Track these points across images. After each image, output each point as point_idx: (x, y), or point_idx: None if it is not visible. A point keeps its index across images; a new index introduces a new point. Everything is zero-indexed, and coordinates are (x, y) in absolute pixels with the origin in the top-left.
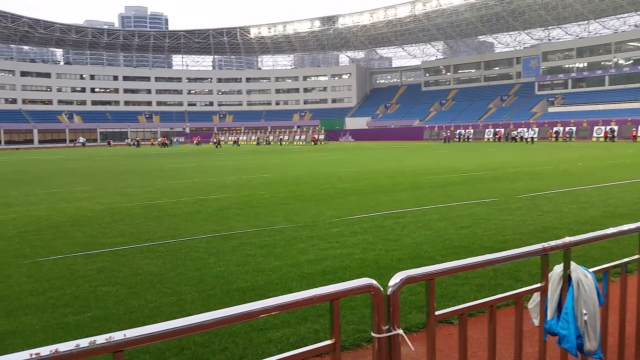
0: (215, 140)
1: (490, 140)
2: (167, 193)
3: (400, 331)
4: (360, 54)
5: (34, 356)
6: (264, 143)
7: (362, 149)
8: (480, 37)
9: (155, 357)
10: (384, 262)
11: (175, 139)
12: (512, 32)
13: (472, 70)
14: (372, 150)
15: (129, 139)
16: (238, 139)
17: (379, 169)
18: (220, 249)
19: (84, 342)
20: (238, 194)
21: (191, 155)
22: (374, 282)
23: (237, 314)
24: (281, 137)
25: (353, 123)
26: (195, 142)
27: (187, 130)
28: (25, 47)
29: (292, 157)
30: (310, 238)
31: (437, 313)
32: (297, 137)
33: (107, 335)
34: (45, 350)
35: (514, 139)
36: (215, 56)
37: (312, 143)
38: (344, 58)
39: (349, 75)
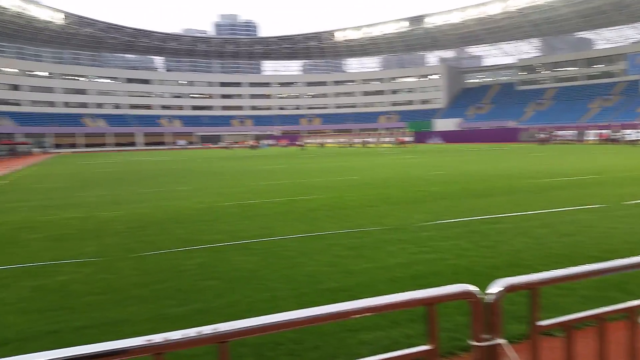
0: (299, 143)
1: (593, 142)
2: (259, 193)
3: (504, 341)
4: (449, 54)
5: (147, 342)
6: (347, 145)
7: (452, 151)
8: (578, 33)
9: (253, 351)
10: (479, 269)
11: (263, 142)
12: (615, 27)
13: (572, 68)
14: (463, 152)
15: (224, 142)
16: (324, 141)
17: (472, 172)
18: (311, 248)
19: (191, 332)
20: (326, 196)
21: (281, 158)
22: (473, 288)
23: (330, 313)
24: (363, 139)
25: (442, 124)
26: (282, 144)
27: (277, 134)
28: (130, 56)
29: (379, 159)
30: (400, 241)
31: (539, 324)
32: (383, 140)
33: (213, 326)
34: (157, 338)
35: (616, 140)
36: (304, 60)
37: (399, 145)
38: (432, 58)
39: (437, 75)
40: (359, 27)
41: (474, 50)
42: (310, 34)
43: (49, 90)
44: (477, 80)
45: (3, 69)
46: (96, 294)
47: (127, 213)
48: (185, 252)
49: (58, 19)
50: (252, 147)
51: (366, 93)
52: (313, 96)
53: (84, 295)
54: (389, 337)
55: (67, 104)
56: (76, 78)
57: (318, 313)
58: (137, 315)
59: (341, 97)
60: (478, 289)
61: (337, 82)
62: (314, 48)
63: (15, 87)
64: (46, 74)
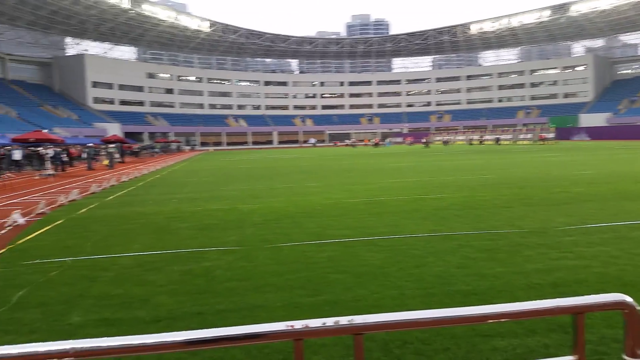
0: (424, 140)
1: None
2: (386, 191)
3: None
4: (597, 43)
5: (289, 328)
6: (478, 142)
7: (601, 149)
8: None
9: (380, 346)
10: (630, 279)
11: (387, 140)
12: None
13: None
14: (614, 150)
15: (349, 140)
16: (449, 138)
17: (623, 172)
18: (440, 248)
19: (329, 321)
20: (457, 195)
21: (409, 155)
22: (629, 299)
23: (464, 316)
24: (497, 136)
25: (589, 120)
26: (407, 142)
27: (405, 131)
28: (268, 60)
29: (515, 157)
30: (539, 246)
31: None
32: (521, 136)
33: (349, 318)
34: (297, 324)
35: None
36: (435, 56)
37: (539, 142)
38: (577, 48)
39: (584, 66)
40: (496, 18)
41: (628, 38)
42: (442, 28)
43: (197, 93)
44: (631, 71)
45: (160, 74)
46: (237, 280)
47: (264, 206)
48: (316, 245)
49: (205, 27)
50: (375, 145)
51: (502, 87)
52: (443, 92)
53: (226, 281)
54: (524, 346)
55: (212, 106)
56: (221, 82)
57: (451, 315)
58: (272, 302)
59: (474, 92)
60: (632, 300)
61: (469, 77)
62: (446, 42)
63: (169, 91)
64: (195, 78)
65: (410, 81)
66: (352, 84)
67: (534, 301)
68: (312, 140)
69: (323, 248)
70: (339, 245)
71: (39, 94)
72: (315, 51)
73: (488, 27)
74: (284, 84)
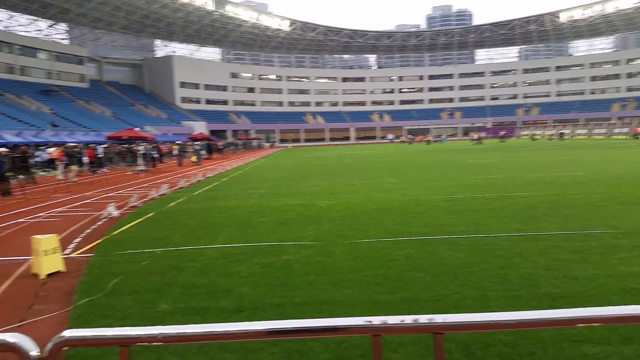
0: (475, 137)
1: None
2: (468, 188)
3: None
4: None
5: (367, 323)
6: (557, 138)
7: None
8: None
9: (461, 348)
10: None
11: (443, 136)
12: None
13: None
14: None
15: (405, 135)
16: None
17: None
18: (526, 249)
19: (408, 319)
20: (545, 193)
21: (492, 151)
22: None
23: (551, 319)
24: (590, 129)
25: None
26: (473, 137)
27: (489, 125)
28: (345, 56)
29: (610, 153)
30: (635, 247)
31: None
32: (616, 130)
33: (428, 316)
34: (376, 320)
35: None
36: (521, 46)
37: (635, 137)
38: None
39: None
40: (588, 5)
41: None
42: (529, 17)
43: (277, 91)
44: None
45: (242, 74)
46: (314, 274)
47: (341, 202)
48: (394, 242)
49: (285, 26)
50: (427, 141)
51: (595, 78)
52: (530, 84)
53: (304, 275)
54: (618, 354)
55: (291, 103)
56: (300, 79)
57: (538, 317)
58: (350, 298)
59: (564, 83)
60: None
61: (559, 68)
62: (533, 32)
63: (251, 90)
64: (275, 77)
65: (494, 73)
66: (432, 77)
67: (630, 306)
68: (390, 136)
69: (401, 245)
70: (418, 243)
71: (131, 94)
72: (393, 45)
73: (579, 14)
74: (361, 79)
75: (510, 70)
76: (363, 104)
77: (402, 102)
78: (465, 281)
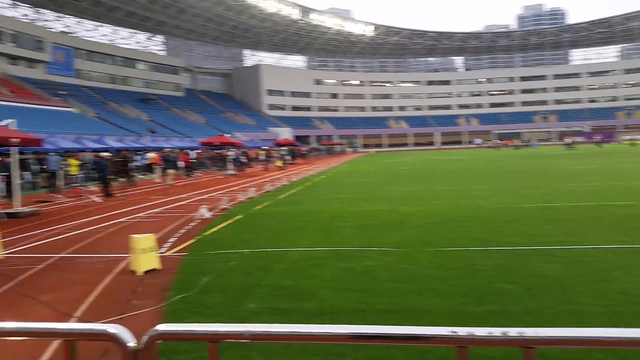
0: (568, 142)
1: None
2: (564, 196)
3: None
4: None
5: (452, 334)
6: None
7: None
8: None
9: None
10: None
11: (533, 141)
12: None
13: None
14: None
15: (491, 140)
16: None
17: None
18: (629, 262)
19: (496, 331)
20: None
21: (587, 157)
22: None
23: None
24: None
25: None
26: (565, 142)
27: (586, 130)
28: (430, 59)
29: None
30: None
31: None
32: None
33: (518, 329)
34: (461, 331)
35: None
36: (622, 45)
37: None
38: None
39: None
40: None
41: None
42: (630, 13)
43: (360, 96)
44: None
45: (326, 80)
46: (397, 282)
47: (425, 209)
48: (482, 251)
49: (369, 31)
50: (515, 146)
51: None
52: (634, 85)
53: (386, 281)
54: None
55: (374, 108)
56: (382, 84)
57: (636, 336)
58: (434, 307)
59: None
60: None
61: None
62: (636, 29)
63: (334, 96)
64: (358, 82)
65: (592, 74)
66: (523, 79)
67: None
68: (478, 141)
69: (489, 255)
70: (508, 253)
71: (222, 102)
72: (481, 47)
73: None
74: (447, 82)
75: (609, 71)
76: (449, 107)
77: (491, 105)
78: (559, 295)
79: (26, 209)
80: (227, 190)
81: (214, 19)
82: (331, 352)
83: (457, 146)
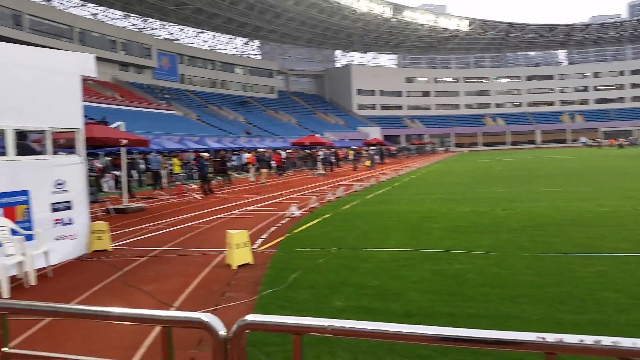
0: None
1: None
2: None
3: None
4: None
5: (540, 339)
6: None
7: None
8: None
9: None
10: None
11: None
12: None
13: None
14: None
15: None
16: None
17: None
18: None
19: (588, 339)
20: None
21: None
22: None
23: None
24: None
25: None
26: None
27: None
28: (531, 53)
29: None
30: None
31: None
32: None
33: (613, 339)
34: (550, 337)
35: None
36: None
37: None
38: None
39: None
40: None
41: None
42: None
43: (453, 94)
44: None
45: (417, 78)
46: (489, 286)
47: (522, 211)
48: (583, 257)
49: (464, 26)
50: (619, 145)
51: None
52: None
53: (478, 286)
54: None
55: (468, 106)
56: (478, 80)
57: None
58: (529, 314)
59: None
60: None
61: None
62: None
63: (426, 94)
64: (451, 79)
65: None
66: (635, 72)
67: None
68: (583, 139)
69: (591, 262)
70: (612, 260)
71: (313, 103)
72: (586, 39)
73: None
74: (549, 77)
75: None
76: (551, 103)
77: (598, 101)
78: None
79: (133, 205)
80: (317, 189)
81: (307, 22)
82: (417, 354)
83: (559, 145)
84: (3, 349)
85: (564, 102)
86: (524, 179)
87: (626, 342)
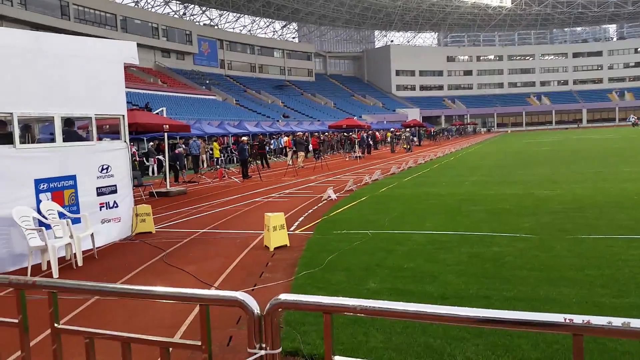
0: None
1: None
2: None
3: None
4: None
5: (567, 321)
6: None
7: None
8: None
9: None
10: None
11: None
12: None
13: None
14: None
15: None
16: None
17: None
18: None
19: (617, 321)
20: None
21: None
22: None
23: None
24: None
25: None
26: None
27: None
28: (578, 29)
29: None
30: None
31: None
32: None
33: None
34: (578, 319)
35: None
36: None
37: None
38: None
39: None
40: None
41: None
42: None
43: (497, 72)
44: None
45: (459, 57)
46: (528, 269)
47: (565, 193)
48: (626, 240)
49: (508, 2)
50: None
51: None
52: None
53: (516, 269)
54: None
55: (512, 84)
56: (523, 58)
57: None
58: (567, 297)
59: None
60: None
61: None
62: None
63: (468, 73)
64: (494, 57)
65: None
66: None
67: None
68: (632, 118)
69: (635, 244)
70: None
71: (351, 85)
72: (638, 12)
73: None
74: (597, 54)
75: None
76: (600, 81)
77: None
78: None
79: (175, 189)
80: (354, 172)
81: (345, 2)
82: (452, 336)
83: (608, 124)
84: (55, 325)
85: (612, 80)
86: (567, 160)
87: None
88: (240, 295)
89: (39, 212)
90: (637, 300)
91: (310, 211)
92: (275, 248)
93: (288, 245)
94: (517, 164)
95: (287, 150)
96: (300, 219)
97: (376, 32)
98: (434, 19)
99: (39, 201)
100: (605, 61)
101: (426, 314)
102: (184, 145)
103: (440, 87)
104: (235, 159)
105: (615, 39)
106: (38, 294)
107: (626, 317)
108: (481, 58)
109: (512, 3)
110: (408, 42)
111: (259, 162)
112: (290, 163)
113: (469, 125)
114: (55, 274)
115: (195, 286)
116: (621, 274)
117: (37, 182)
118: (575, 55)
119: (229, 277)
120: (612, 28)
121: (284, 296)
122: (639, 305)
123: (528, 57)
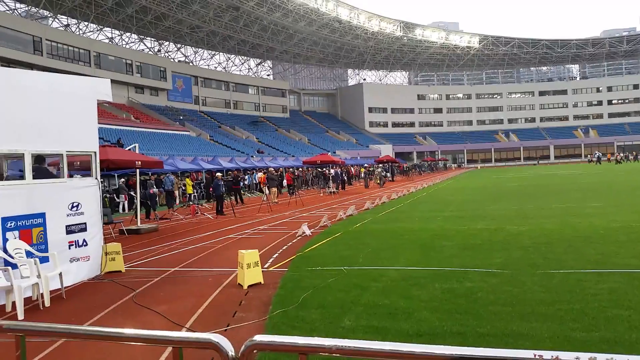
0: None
1: None
2: None
3: None
4: None
5: (537, 357)
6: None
7: None
8: None
9: None
10: None
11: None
12: None
13: None
14: None
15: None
16: None
17: None
18: None
19: (584, 357)
20: None
21: None
22: None
23: None
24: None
25: None
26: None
27: None
28: (544, 68)
29: None
30: None
31: None
32: None
33: (608, 355)
34: (547, 355)
35: None
36: None
37: None
38: None
39: None
40: None
41: None
42: None
43: (465, 110)
44: None
45: (429, 95)
46: (500, 305)
47: (535, 228)
48: (595, 274)
49: (475, 43)
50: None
51: None
52: None
53: (489, 304)
54: None
55: (481, 122)
56: (491, 96)
57: None
58: (539, 332)
59: None
60: None
61: None
62: None
63: (438, 110)
64: (462, 95)
65: None
66: None
67: None
68: (597, 154)
69: (603, 278)
70: (624, 277)
71: (325, 121)
72: (599, 53)
73: None
74: (562, 92)
75: None
76: (565, 118)
77: (611, 115)
78: None
79: (146, 226)
80: (328, 207)
81: (319, 42)
82: None
83: (574, 160)
84: None
85: (577, 117)
86: (536, 195)
87: (619, 358)
88: (214, 337)
89: (5, 251)
90: (606, 334)
91: (284, 247)
92: (249, 286)
93: (262, 282)
94: (487, 199)
95: (262, 186)
96: (274, 256)
97: (349, 71)
98: (405, 59)
99: (5, 240)
100: (570, 99)
101: (401, 353)
102: (155, 186)
103: (412, 124)
104: (206, 194)
105: (578, 78)
106: (3, 338)
107: (595, 352)
108: (450, 96)
109: (479, 44)
110: (380, 80)
111: (232, 197)
112: (265, 199)
113: (440, 161)
114: (21, 315)
115: (167, 327)
116: (590, 308)
117: (4, 220)
118: (542, 93)
119: (201, 317)
120: (575, 68)
121: (259, 337)
122: (608, 339)
123: (496, 96)
